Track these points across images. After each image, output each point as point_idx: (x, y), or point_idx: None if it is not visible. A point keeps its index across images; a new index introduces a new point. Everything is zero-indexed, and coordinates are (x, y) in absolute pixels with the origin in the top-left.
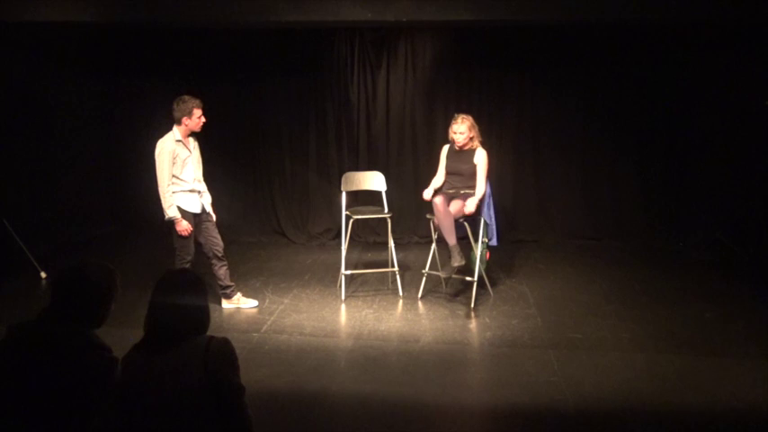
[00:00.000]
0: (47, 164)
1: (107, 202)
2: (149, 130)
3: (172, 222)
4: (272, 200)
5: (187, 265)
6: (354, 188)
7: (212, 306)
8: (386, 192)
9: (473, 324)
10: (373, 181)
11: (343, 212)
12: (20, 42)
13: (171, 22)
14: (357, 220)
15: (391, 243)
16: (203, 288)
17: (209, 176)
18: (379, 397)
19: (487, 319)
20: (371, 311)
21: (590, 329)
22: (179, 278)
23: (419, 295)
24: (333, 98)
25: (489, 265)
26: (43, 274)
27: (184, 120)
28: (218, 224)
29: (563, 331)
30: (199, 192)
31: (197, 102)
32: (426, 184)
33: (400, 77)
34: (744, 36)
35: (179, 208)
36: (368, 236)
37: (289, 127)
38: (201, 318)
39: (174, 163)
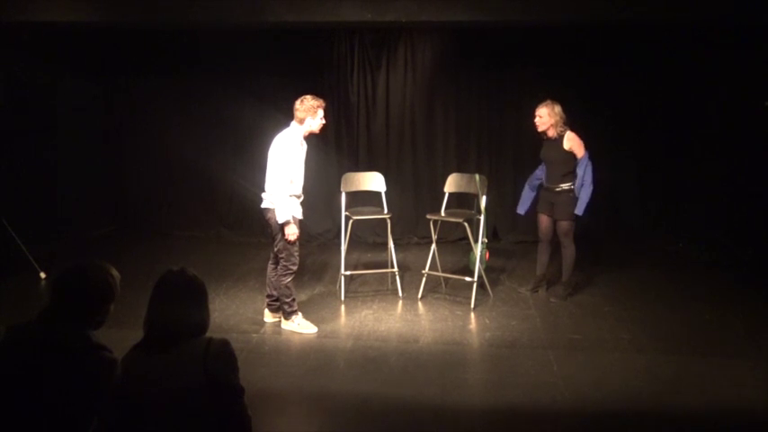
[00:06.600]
0: (47, 164)
1: (107, 202)
2: (149, 131)
3: (282, 227)
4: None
5: (293, 276)
6: (354, 189)
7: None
8: (385, 192)
9: (473, 324)
10: (373, 181)
11: (343, 213)
12: (20, 42)
13: (170, 23)
14: (357, 220)
15: (391, 243)
16: (203, 289)
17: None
18: (379, 397)
19: (487, 320)
20: (371, 312)
21: (589, 330)
22: (179, 279)
23: (419, 296)
24: (333, 98)
25: (489, 266)
26: (43, 275)
27: (308, 120)
28: None
29: (562, 332)
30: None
31: (321, 102)
32: (426, 184)
33: (400, 78)
34: (744, 36)
35: None
36: (368, 236)
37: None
38: (201, 319)
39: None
